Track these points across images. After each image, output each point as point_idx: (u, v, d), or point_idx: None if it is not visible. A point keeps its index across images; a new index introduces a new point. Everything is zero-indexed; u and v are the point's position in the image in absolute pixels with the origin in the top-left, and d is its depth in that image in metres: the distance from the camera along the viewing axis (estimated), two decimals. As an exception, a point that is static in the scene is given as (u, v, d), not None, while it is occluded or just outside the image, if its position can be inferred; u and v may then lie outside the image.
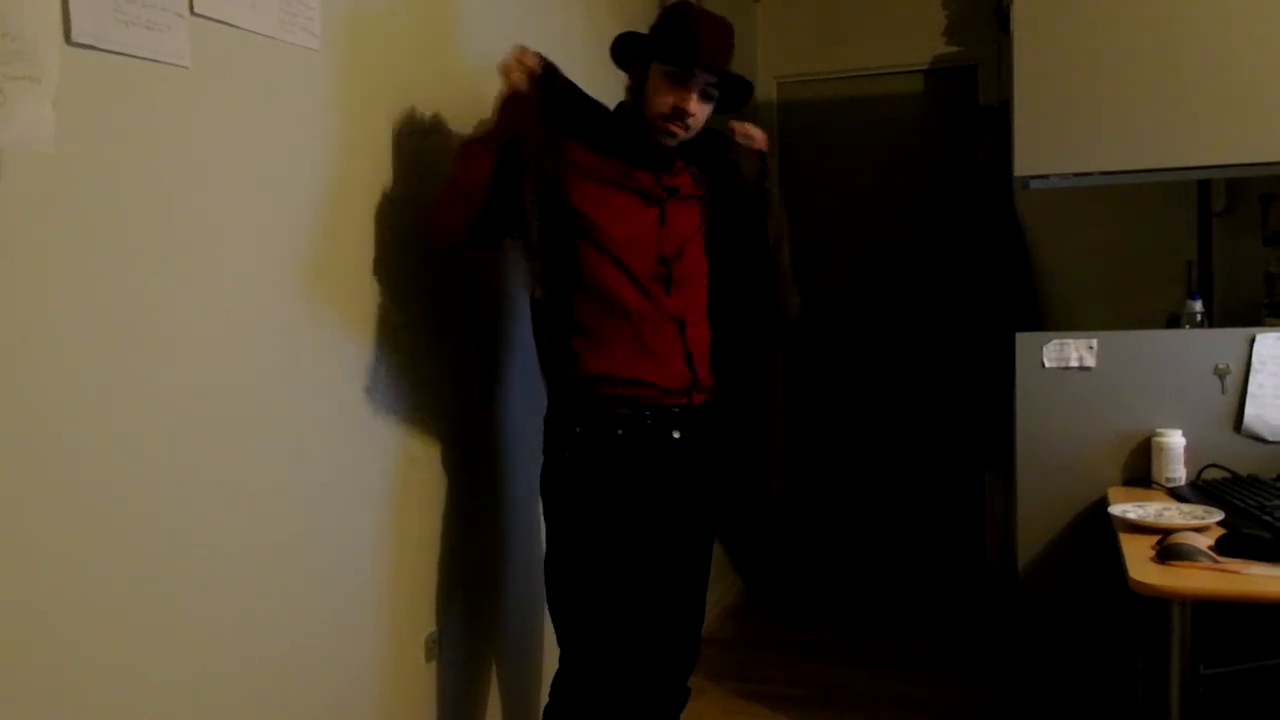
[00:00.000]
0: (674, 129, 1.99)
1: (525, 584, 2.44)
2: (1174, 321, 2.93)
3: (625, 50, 2.05)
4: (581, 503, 2.00)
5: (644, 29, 2.06)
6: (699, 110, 2.00)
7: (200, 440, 1.50)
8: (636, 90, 2.02)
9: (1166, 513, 2.13)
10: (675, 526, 2.09)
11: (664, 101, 1.97)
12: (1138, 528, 2.07)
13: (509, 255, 2.37)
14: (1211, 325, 2.85)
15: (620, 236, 1.98)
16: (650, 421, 2.01)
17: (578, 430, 1.99)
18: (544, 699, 2.14)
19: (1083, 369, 2.61)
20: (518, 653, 2.44)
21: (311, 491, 1.74)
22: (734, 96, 2.08)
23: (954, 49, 4.29)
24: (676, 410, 2.04)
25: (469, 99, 2.22)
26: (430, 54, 2.09)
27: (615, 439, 1.98)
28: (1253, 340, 2.51)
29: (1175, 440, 2.47)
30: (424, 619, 2.07)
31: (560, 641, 2.04)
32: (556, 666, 2.06)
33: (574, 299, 1.97)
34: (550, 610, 2.06)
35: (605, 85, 2.18)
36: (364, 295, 1.88)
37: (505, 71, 1.94)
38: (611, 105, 2.09)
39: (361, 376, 1.87)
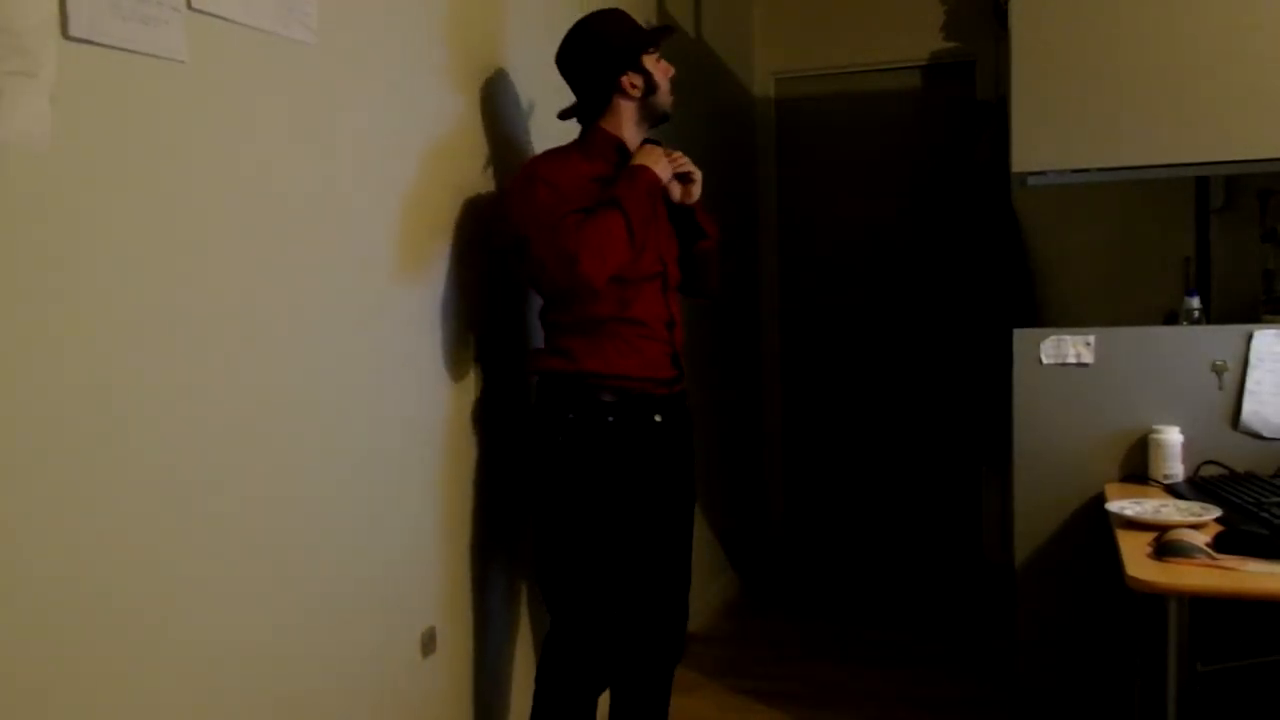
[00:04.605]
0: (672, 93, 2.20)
1: (522, 578, 2.44)
2: (1172, 318, 2.93)
3: (602, 84, 2.14)
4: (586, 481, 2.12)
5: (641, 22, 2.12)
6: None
7: (195, 442, 1.50)
8: (649, 90, 2.15)
9: (1164, 509, 2.13)
10: (658, 498, 2.22)
11: (665, 76, 2.17)
12: (1135, 524, 2.07)
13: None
14: (1209, 322, 2.85)
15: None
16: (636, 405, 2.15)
17: (571, 416, 2.12)
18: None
19: (1080, 365, 2.61)
20: (515, 648, 2.44)
21: (305, 489, 1.73)
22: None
23: (952, 45, 4.29)
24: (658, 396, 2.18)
25: (465, 93, 2.22)
26: (426, 50, 2.08)
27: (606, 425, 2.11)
28: (1250, 337, 2.51)
29: (1173, 437, 2.47)
30: (420, 614, 2.07)
31: (551, 607, 2.16)
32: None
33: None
34: (540, 578, 2.18)
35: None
36: (361, 289, 1.87)
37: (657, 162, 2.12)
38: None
39: (359, 373, 1.87)
